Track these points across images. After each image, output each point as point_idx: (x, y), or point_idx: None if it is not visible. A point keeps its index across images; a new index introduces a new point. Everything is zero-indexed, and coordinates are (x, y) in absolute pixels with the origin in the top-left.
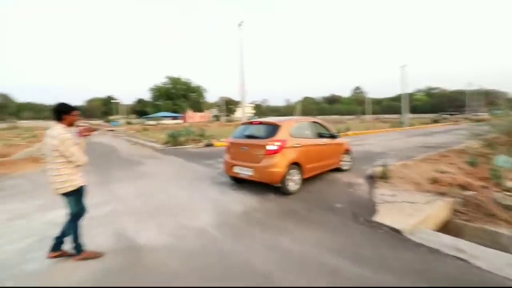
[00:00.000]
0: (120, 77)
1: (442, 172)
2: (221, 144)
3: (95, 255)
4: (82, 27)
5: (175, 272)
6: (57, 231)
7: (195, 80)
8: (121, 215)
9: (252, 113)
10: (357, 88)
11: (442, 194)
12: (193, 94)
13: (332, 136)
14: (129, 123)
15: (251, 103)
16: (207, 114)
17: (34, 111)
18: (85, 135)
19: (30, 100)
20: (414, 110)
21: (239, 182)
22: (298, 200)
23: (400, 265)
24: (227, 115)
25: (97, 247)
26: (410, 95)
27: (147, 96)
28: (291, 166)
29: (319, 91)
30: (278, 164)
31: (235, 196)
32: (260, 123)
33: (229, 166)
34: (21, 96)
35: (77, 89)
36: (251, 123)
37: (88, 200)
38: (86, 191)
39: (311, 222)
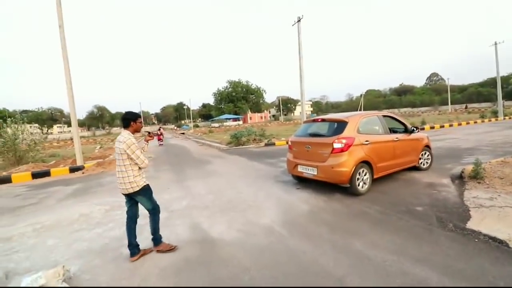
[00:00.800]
0: (189, 84)
1: None
2: (281, 143)
3: (170, 248)
4: (152, 43)
5: (247, 267)
6: (146, 220)
7: (255, 81)
8: (196, 210)
9: (310, 110)
10: (434, 74)
11: None
12: (252, 95)
13: (407, 131)
14: (196, 126)
15: (309, 101)
16: (266, 114)
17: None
18: (148, 140)
19: (120, 110)
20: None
21: (303, 181)
22: (369, 201)
23: (507, 282)
24: (285, 114)
25: (177, 238)
26: (506, 78)
27: (211, 100)
28: (359, 165)
29: (386, 83)
30: (346, 163)
31: (300, 195)
32: (324, 120)
33: (292, 166)
34: (113, 107)
35: (155, 98)
36: (314, 120)
37: (169, 195)
38: (150, 189)
39: (387, 226)
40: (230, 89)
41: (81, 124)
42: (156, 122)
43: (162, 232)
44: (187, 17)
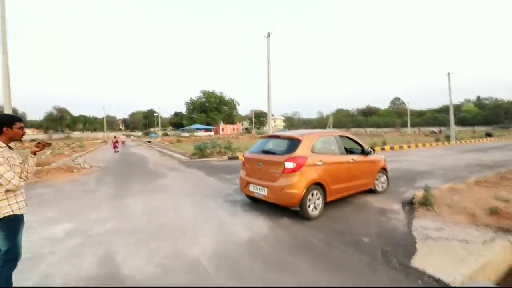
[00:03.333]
0: (160, 91)
1: (505, 200)
2: None
3: None
4: (123, 44)
5: None
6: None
7: (229, 93)
8: (120, 235)
9: (282, 125)
10: (396, 99)
11: (506, 230)
12: (226, 107)
13: (364, 152)
14: (166, 134)
15: (282, 116)
16: (239, 127)
17: (85, 123)
18: (35, 152)
19: (83, 113)
20: (462, 122)
21: (256, 202)
22: (318, 228)
23: None
24: (258, 128)
25: (78, 274)
26: (458, 106)
27: (184, 109)
28: (312, 187)
29: (353, 103)
30: (296, 185)
31: (245, 218)
32: (278, 137)
33: (244, 184)
34: (75, 110)
35: (122, 103)
36: (269, 137)
37: (96, 215)
38: (18, 224)
39: (329, 261)
40: (203, 99)
41: (38, 126)
42: (123, 128)
43: (64, 264)
44: (160, 23)
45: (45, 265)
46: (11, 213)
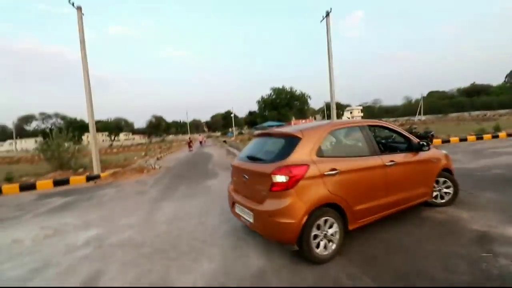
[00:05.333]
0: (237, 93)
1: None
2: None
3: None
4: (206, 52)
5: None
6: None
7: (300, 87)
8: (126, 248)
9: (360, 116)
10: None
11: None
12: (296, 102)
13: (413, 148)
14: (240, 133)
15: (359, 106)
16: (311, 120)
17: (176, 127)
18: None
19: (175, 119)
20: None
21: None
22: (338, 275)
23: None
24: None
25: None
26: None
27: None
28: (319, 212)
29: (452, 82)
30: (291, 210)
31: (248, 247)
32: (270, 134)
33: (231, 202)
34: (169, 116)
35: (205, 106)
36: (261, 135)
37: (126, 220)
38: None
39: None
40: (273, 96)
41: (142, 132)
42: (206, 129)
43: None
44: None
45: (38, 280)
46: None
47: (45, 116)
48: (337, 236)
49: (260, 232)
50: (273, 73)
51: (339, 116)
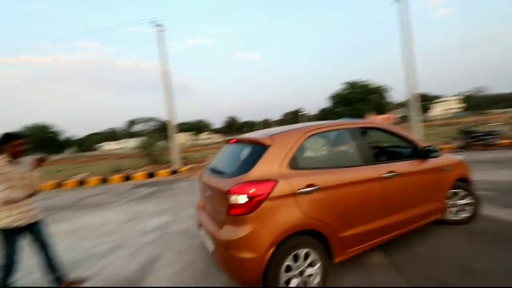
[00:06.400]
0: (308, 90)
1: None
2: None
3: None
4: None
5: None
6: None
7: (380, 80)
8: (182, 236)
9: (459, 108)
10: None
11: None
12: (373, 95)
13: (419, 154)
14: None
15: (455, 95)
16: (392, 116)
17: (250, 126)
18: (37, 167)
19: (249, 119)
20: None
21: None
22: None
23: None
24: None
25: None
26: None
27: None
28: (293, 241)
29: None
30: (249, 241)
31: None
32: (239, 141)
33: (198, 221)
34: (243, 116)
35: (277, 105)
36: (229, 141)
37: (186, 213)
38: (11, 236)
39: None
40: (347, 91)
41: (220, 131)
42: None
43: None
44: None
45: (113, 257)
46: (3, 225)
47: (145, 120)
48: (319, 272)
49: (220, 267)
50: (347, 66)
51: (428, 109)
